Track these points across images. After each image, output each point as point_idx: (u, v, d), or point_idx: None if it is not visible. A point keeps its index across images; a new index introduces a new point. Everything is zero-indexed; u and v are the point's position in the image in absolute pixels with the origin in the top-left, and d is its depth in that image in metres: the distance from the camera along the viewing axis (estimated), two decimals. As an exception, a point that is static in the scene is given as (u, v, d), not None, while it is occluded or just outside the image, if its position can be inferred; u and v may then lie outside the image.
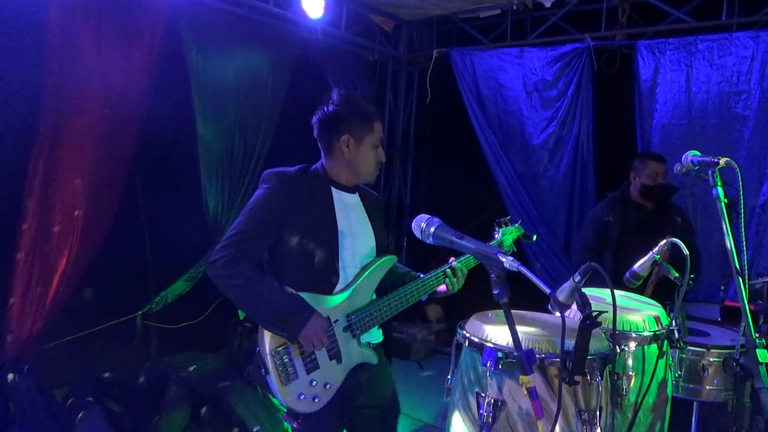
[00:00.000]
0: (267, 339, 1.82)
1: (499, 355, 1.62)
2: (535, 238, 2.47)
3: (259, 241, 1.89)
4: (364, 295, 1.97)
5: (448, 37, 5.35)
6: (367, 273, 1.98)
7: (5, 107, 3.30)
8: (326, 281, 1.92)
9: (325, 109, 1.99)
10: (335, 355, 1.89)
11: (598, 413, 1.61)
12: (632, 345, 1.93)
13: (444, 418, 3.90)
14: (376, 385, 2.07)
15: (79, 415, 3.17)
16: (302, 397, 1.83)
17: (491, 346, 1.64)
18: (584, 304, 1.47)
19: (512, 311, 1.95)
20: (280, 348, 1.82)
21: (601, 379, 1.63)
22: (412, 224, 1.55)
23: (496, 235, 2.37)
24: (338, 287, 1.94)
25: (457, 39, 5.29)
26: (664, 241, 2.04)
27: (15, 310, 3.41)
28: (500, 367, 1.62)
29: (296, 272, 1.90)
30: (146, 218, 4.14)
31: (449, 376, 1.89)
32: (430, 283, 2.06)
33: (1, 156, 3.40)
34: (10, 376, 3.17)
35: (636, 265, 2.11)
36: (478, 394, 1.66)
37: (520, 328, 1.52)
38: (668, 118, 4.05)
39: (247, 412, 3.43)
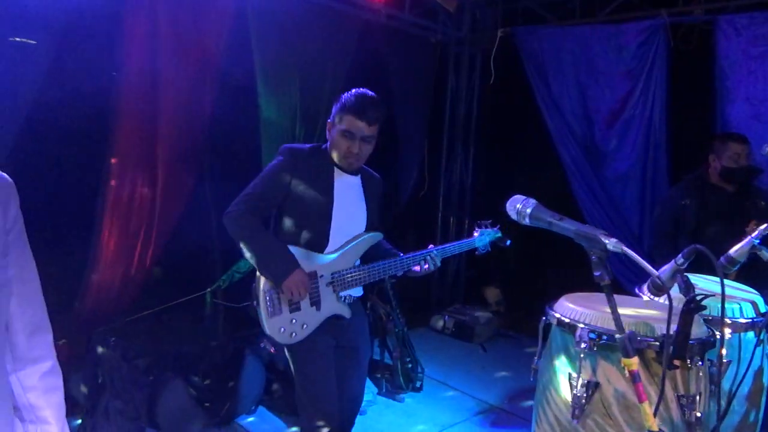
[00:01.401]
0: (262, 280, 2.23)
1: (593, 336, 1.61)
2: (508, 242, 2.79)
3: (266, 203, 2.27)
4: (348, 259, 2.35)
5: (513, 17, 5.24)
6: (354, 242, 2.36)
7: (84, 95, 3.45)
8: (318, 243, 2.30)
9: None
10: (315, 303, 2.28)
11: (697, 399, 1.57)
12: (728, 332, 1.88)
13: (511, 401, 3.93)
14: (352, 329, 2.42)
15: (164, 385, 3.33)
16: (282, 330, 2.24)
17: (585, 327, 1.63)
18: (688, 287, 1.43)
19: (591, 294, 1.97)
20: (271, 288, 2.23)
21: (702, 364, 1.59)
22: (507, 205, 1.55)
23: (475, 234, 2.74)
24: (328, 249, 2.32)
25: (522, 18, 5.18)
26: (764, 225, 1.96)
27: (101, 286, 3.62)
28: (594, 348, 1.60)
29: (294, 232, 2.29)
30: (213, 200, 4.27)
31: (536, 358, 1.89)
32: (407, 262, 2.43)
33: (83, 142, 3.57)
34: (99, 349, 3.36)
35: (732, 250, 2.04)
36: (570, 375, 1.65)
37: (620, 310, 1.50)
38: (750, 98, 3.86)
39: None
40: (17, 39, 2.95)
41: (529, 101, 4.89)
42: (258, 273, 2.25)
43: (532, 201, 1.51)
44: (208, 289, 3.95)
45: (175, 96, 3.68)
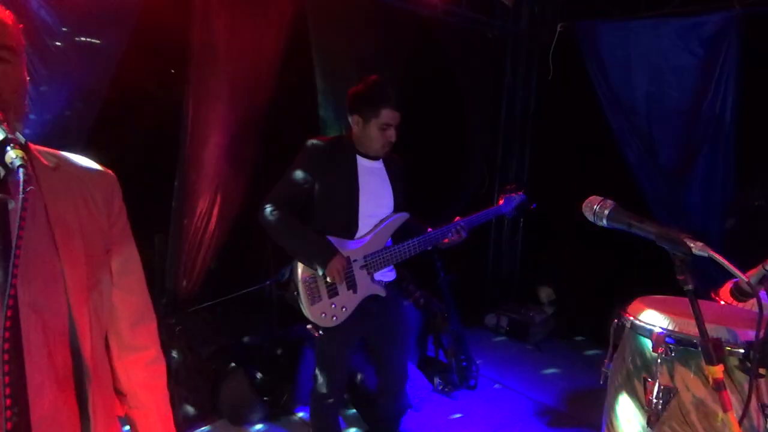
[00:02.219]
0: (300, 269, 2.37)
1: (671, 341, 1.57)
2: (534, 206, 2.88)
3: (295, 196, 2.40)
4: (379, 241, 2.48)
5: (573, 10, 5.11)
6: (382, 225, 2.48)
7: (148, 95, 3.57)
8: (348, 229, 2.42)
9: (353, 89, 2.45)
10: (352, 286, 2.42)
11: (782, 409, 1.51)
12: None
13: (567, 402, 3.87)
14: (386, 311, 2.57)
15: (226, 374, 3.44)
16: (324, 315, 2.39)
17: (662, 331, 1.59)
18: (776, 293, 1.38)
19: (665, 297, 1.92)
20: (309, 277, 2.36)
21: (788, 373, 1.52)
22: (583, 207, 1.52)
23: (500, 201, 2.84)
24: (358, 234, 2.44)
25: (583, 12, 5.04)
26: None
27: (173, 278, 3.76)
28: (672, 354, 1.56)
29: (325, 220, 2.41)
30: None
31: (606, 361, 1.85)
32: (434, 236, 2.53)
33: (149, 141, 3.70)
34: (165, 338, 3.49)
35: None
36: (645, 380, 1.62)
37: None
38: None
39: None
40: (83, 38, 3.07)
41: (589, 98, 4.76)
42: (295, 263, 2.40)
43: (610, 202, 1.48)
44: (268, 281, 4.03)
45: (233, 95, 3.77)
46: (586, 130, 5.08)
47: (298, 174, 2.41)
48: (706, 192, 4.12)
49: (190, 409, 3.32)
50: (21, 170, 0.80)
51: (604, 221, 1.47)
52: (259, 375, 3.54)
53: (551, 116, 5.62)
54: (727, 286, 2.08)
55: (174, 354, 3.42)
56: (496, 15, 5.30)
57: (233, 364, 3.52)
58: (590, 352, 4.73)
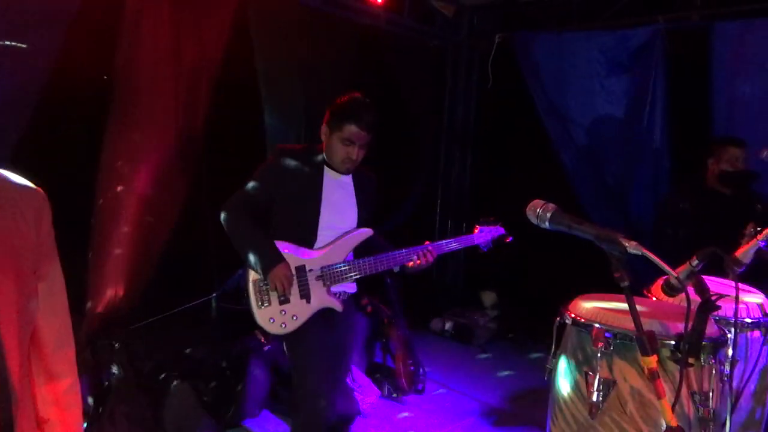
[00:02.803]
0: (250, 271, 2.37)
1: (609, 335, 1.65)
2: (510, 239, 2.81)
3: (257, 200, 2.40)
4: (339, 254, 2.44)
5: (511, 22, 5.30)
6: (343, 238, 2.45)
7: (80, 96, 3.44)
8: (306, 238, 2.42)
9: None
10: (305, 295, 2.38)
11: (710, 395, 1.62)
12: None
13: (512, 401, 3.97)
14: (342, 325, 2.53)
15: (170, 389, 3.34)
16: (272, 321, 2.35)
17: (601, 326, 1.67)
18: (702, 288, 1.48)
19: (603, 294, 2.02)
20: (260, 280, 2.34)
21: (715, 362, 1.64)
22: (527, 210, 1.58)
23: (475, 230, 2.79)
24: (317, 244, 2.43)
25: (520, 23, 5.24)
26: (768, 228, 2.01)
27: (105, 292, 3.61)
28: (611, 347, 1.65)
29: (284, 227, 2.42)
30: (213, 206, 4.27)
31: (550, 357, 1.93)
32: (399, 257, 2.48)
33: (79, 145, 3.56)
34: (105, 354, 3.36)
35: (738, 252, 2.08)
36: (587, 374, 1.69)
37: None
38: (748, 105, 3.92)
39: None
40: (7, 43, 2.94)
41: (526, 105, 4.94)
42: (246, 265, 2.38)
43: (552, 205, 1.55)
44: (214, 294, 3.95)
45: (176, 101, 3.68)
46: (525, 137, 5.26)
47: (262, 179, 2.42)
48: (642, 196, 4.35)
49: (132, 427, 3.19)
50: None
51: (547, 224, 1.53)
52: (203, 388, 3.45)
53: (491, 123, 5.79)
54: (658, 283, 2.20)
55: (114, 370, 3.30)
56: (437, 25, 5.43)
57: (176, 380, 3.41)
58: (533, 352, 4.87)
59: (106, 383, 3.29)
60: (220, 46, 3.82)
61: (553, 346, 1.93)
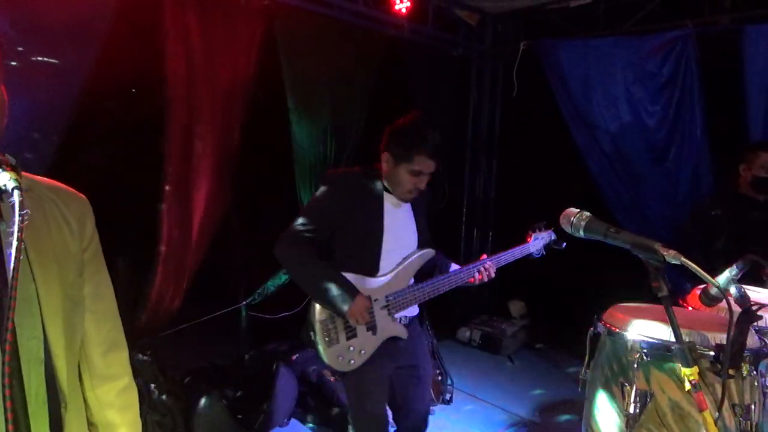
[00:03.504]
0: (317, 310, 2.21)
1: (646, 346, 1.62)
2: (564, 245, 2.65)
3: (316, 233, 2.23)
4: (402, 280, 2.32)
5: (536, 29, 5.28)
6: (405, 263, 2.33)
7: (116, 116, 3.53)
8: (370, 267, 2.27)
9: (394, 122, 2.27)
10: (372, 327, 2.25)
11: (753, 407, 1.58)
12: (776, 341, 1.87)
13: (542, 413, 3.92)
14: (411, 348, 2.40)
15: (200, 398, 3.37)
16: (341, 358, 2.21)
17: (637, 336, 1.64)
18: (743, 297, 1.45)
19: (638, 304, 1.98)
20: (327, 318, 2.20)
21: (756, 373, 1.60)
22: (560, 219, 1.57)
23: (528, 239, 2.64)
24: (380, 272, 2.29)
25: (545, 31, 5.21)
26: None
27: (138, 301, 3.68)
28: (648, 358, 1.62)
29: (345, 258, 2.26)
30: (244, 216, 4.33)
31: (584, 368, 1.90)
32: (462, 276, 2.39)
33: (118, 161, 3.64)
34: (137, 362, 3.40)
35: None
36: (623, 385, 1.66)
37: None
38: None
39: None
40: (40, 58, 3.01)
41: (553, 113, 4.90)
42: (313, 304, 2.23)
43: (587, 214, 1.53)
44: (244, 302, 3.99)
45: (208, 115, 3.74)
46: (551, 145, 5.22)
47: (320, 211, 2.26)
48: (668, 204, 4.27)
49: (163, 435, 3.23)
50: (16, 192, 0.79)
51: (582, 232, 1.51)
52: (232, 397, 3.48)
53: (516, 132, 5.76)
54: (695, 293, 2.16)
55: (145, 379, 3.35)
56: (461, 34, 5.43)
57: (206, 389, 3.45)
58: (563, 363, 4.81)
59: (139, 389, 3.33)
60: (252, 62, 3.88)
61: (587, 357, 1.90)
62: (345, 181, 2.31)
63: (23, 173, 1.09)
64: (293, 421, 3.64)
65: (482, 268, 2.40)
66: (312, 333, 2.21)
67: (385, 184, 2.30)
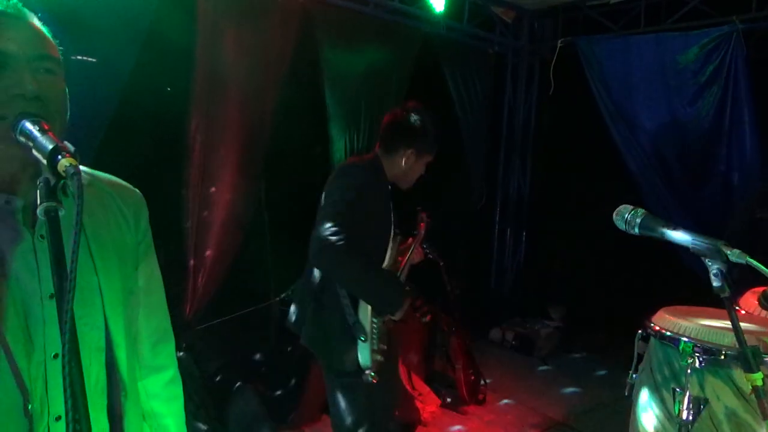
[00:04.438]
0: (369, 311, 2.14)
1: (700, 350, 1.56)
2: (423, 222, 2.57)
3: (355, 227, 2.06)
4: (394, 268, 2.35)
5: (574, 26, 5.19)
6: (390, 251, 2.32)
7: (155, 105, 3.56)
8: (379, 259, 2.26)
9: (406, 117, 2.27)
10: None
11: (815, 418, 1.50)
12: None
13: (577, 417, 3.84)
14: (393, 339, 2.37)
15: (233, 391, 3.40)
16: (378, 357, 2.16)
17: (690, 341, 1.58)
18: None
19: (688, 307, 1.91)
20: (374, 319, 2.16)
21: (820, 382, 1.52)
22: (614, 215, 1.52)
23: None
24: (384, 265, 2.29)
25: (583, 27, 5.11)
26: None
27: (173, 294, 3.71)
28: (702, 364, 1.55)
29: (367, 253, 2.18)
30: (276, 211, 4.35)
31: (632, 372, 1.84)
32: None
33: (155, 153, 3.67)
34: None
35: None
36: (674, 391, 1.60)
37: (724, 324, 1.46)
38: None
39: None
40: (80, 57, 3.06)
41: (590, 112, 4.81)
42: (361, 304, 2.14)
43: (641, 210, 1.48)
44: (278, 298, 4.00)
45: (243, 107, 3.77)
46: (587, 144, 5.12)
47: (358, 204, 2.11)
48: (711, 204, 4.13)
49: (199, 426, 3.26)
50: (76, 178, 0.79)
51: (636, 229, 1.46)
52: (266, 390, 3.49)
53: (553, 131, 5.67)
54: (747, 295, 2.08)
55: (180, 371, 3.38)
56: (497, 31, 5.36)
57: (240, 382, 3.47)
58: (597, 366, 4.71)
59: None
60: (286, 60, 3.89)
61: (635, 360, 1.84)
62: (370, 173, 2.24)
63: (83, 167, 1.11)
64: (325, 416, 3.64)
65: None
66: (362, 336, 2.11)
67: (389, 176, 2.32)
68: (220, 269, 3.86)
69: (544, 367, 4.77)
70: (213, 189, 3.77)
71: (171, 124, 3.66)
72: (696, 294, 2.12)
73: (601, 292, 5.17)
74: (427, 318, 4.14)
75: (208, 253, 3.80)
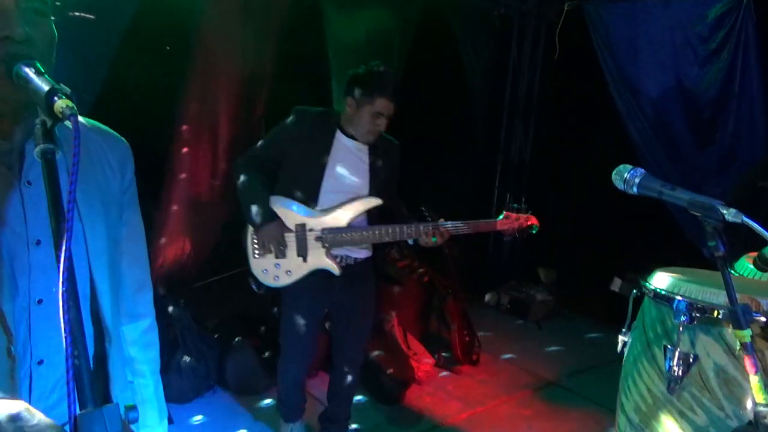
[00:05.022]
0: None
1: (692, 308, 1.58)
2: (534, 231, 2.56)
3: (267, 158, 2.48)
4: (340, 219, 2.45)
5: (581, -11, 5.08)
6: (347, 204, 2.45)
7: (148, 63, 3.54)
8: (309, 199, 2.45)
9: (355, 71, 2.45)
10: (302, 254, 2.45)
11: (801, 376, 1.54)
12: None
13: (568, 377, 3.92)
14: (348, 292, 2.57)
15: (232, 346, 3.45)
16: (265, 272, 2.48)
17: (683, 299, 1.60)
18: (802, 261, 1.40)
19: (683, 269, 1.94)
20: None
21: (808, 340, 1.55)
22: (613, 175, 1.53)
23: (501, 217, 2.57)
24: (320, 206, 2.46)
25: (590, -9, 5.01)
26: None
27: (171, 252, 3.75)
28: (694, 321, 1.58)
29: (288, 185, 2.47)
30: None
31: (624, 329, 1.87)
32: (408, 230, 2.43)
33: (151, 111, 3.66)
34: (170, 308, 3.49)
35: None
36: (665, 348, 1.63)
37: (718, 284, 1.47)
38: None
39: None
40: (77, 14, 3.01)
41: (595, 78, 4.74)
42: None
43: (641, 170, 1.49)
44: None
45: (243, 67, 3.73)
46: (590, 111, 5.08)
47: (277, 136, 2.48)
48: (714, 173, 4.12)
49: (197, 380, 3.33)
50: (73, 118, 0.78)
51: (635, 189, 1.47)
52: (261, 346, 3.55)
53: (556, 96, 5.61)
54: (742, 261, 2.10)
55: (180, 327, 3.43)
56: (503, -8, 5.26)
57: (238, 336, 3.53)
58: (591, 331, 4.78)
59: (173, 336, 3.42)
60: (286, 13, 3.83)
61: (628, 319, 1.87)
62: (305, 115, 2.47)
63: None
64: (321, 372, 3.71)
65: (432, 230, 2.42)
66: (244, 242, 2.49)
67: (346, 128, 2.46)
68: (215, 226, 3.89)
69: (539, 331, 4.85)
70: (210, 145, 3.78)
71: (168, 82, 3.64)
72: (691, 261, 2.16)
73: (599, 256, 5.20)
74: (425, 279, 4.19)
75: (204, 209, 3.82)
